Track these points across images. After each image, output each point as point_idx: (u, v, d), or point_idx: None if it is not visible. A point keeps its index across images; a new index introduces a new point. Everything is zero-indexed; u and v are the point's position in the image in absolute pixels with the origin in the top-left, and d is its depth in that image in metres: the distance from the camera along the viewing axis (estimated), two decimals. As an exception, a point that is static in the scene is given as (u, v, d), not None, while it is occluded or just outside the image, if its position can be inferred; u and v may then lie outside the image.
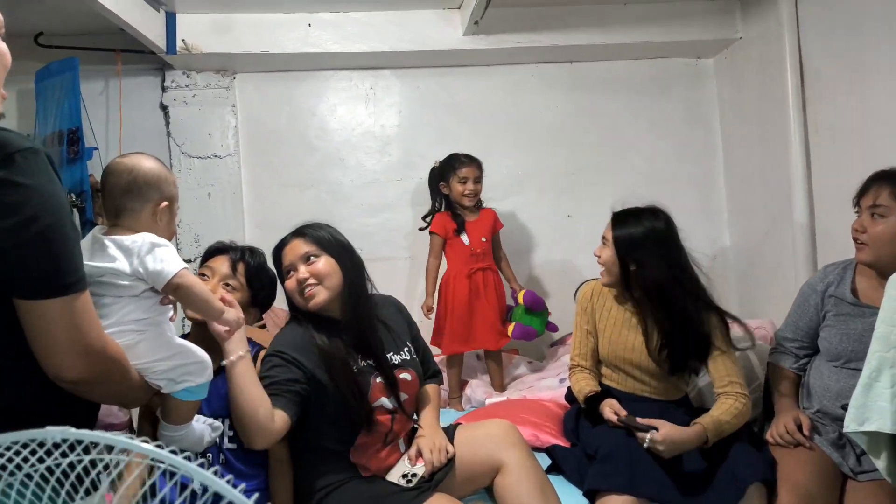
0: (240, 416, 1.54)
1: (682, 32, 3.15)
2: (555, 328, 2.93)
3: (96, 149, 2.94)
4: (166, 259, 1.28)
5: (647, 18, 3.13)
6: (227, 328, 1.54)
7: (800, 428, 1.80)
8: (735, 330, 1.96)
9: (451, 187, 2.85)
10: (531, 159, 3.39)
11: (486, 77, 3.37)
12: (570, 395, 2.19)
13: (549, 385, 2.66)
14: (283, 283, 1.79)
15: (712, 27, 3.15)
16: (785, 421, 1.83)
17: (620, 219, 1.98)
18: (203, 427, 1.52)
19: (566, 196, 3.42)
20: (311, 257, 1.72)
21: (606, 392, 1.96)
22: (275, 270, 1.83)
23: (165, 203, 1.36)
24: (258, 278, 1.77)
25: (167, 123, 3.20)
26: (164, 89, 3.18)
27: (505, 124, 3.39)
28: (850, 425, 1.41)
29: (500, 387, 2.84)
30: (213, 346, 1.55)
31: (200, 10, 2.94)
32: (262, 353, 1.73)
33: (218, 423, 1.60)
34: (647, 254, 1.88)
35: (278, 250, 1.79)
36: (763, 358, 2.22)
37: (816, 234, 2.72)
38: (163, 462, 0.82)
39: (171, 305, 1.38)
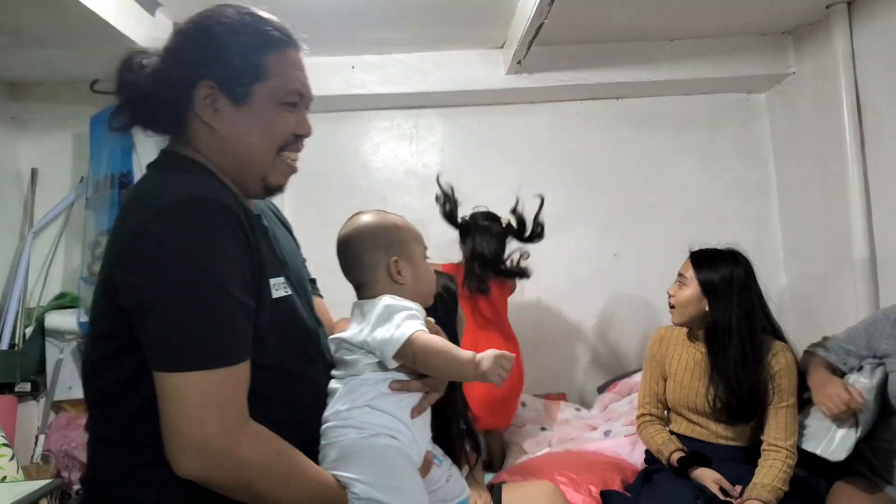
0: None
1: (732, 68, 3.06)
2: None
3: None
4: (399, 324, 1.09)
5: (695, 54, 3.05)
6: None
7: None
8: None
9: None
10: (576, 197, 3.33)
11: (530, 114, 3.34)
12: (649, 456, 2.09)
13: (594, 437, 2.57)
14: None
15: (764, 62, 3.05)
16: (835, 390, 1.73)
17: (704, 259, 1.94)
18: None
19: (612, 234, 3.34)
20: None
21: (697, 454, 1.90)
22: None
23: (394, 257, 1.21)
24: None
25: (215, 164, 3.25)
26: (214, 131, 3.23)
27: (549, 162, 3.34)
28: None
29: (498, 464, 2.55)
30: None
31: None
32: None
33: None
34: (727, 297, 1.87)
35: None
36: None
37: (879, 278, 2.57)
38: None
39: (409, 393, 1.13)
